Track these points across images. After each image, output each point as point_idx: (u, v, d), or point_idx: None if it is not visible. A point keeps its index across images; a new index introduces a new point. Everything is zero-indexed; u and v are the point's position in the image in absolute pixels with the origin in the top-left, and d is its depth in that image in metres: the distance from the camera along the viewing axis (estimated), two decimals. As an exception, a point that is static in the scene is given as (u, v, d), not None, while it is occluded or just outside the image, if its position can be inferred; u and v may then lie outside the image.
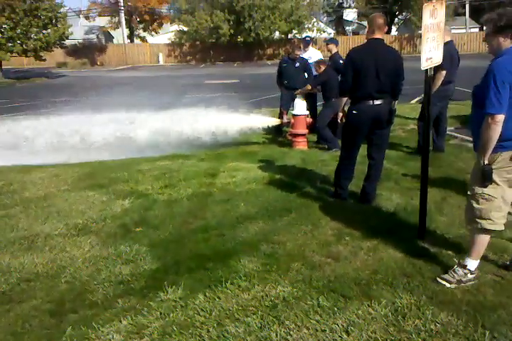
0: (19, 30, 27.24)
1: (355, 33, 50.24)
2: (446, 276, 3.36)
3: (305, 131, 7.94)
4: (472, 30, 45.09)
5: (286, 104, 8.69)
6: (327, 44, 8.79)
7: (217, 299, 3.25)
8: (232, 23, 38.46)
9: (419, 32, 39.23)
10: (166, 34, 46.61)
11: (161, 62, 41.78)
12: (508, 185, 3.24)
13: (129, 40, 45.53)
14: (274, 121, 8.43)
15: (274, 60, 35.31)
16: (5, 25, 26.88)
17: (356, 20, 52.16)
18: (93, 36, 49.63)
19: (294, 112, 7.98)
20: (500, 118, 3.01)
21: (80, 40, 43.14)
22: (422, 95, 4.54)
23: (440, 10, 3.85)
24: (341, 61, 8.10)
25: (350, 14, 51.68)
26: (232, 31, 38.63)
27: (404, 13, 45.66)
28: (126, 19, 43.76)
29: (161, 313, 3.12)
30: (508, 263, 3.55)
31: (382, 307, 3.06)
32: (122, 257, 3.97)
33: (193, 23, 38.76)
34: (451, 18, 39.06)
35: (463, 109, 9.53)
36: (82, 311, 3.21)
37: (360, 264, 3.69)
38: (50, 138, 8.02)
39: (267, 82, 14.50)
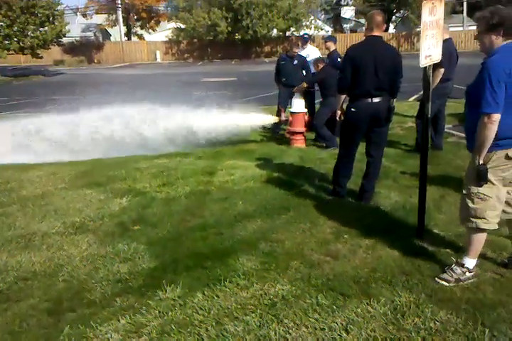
0: (16, 28, 27.18)
1: (352, 30, 50.15)
2: (444, 276, 3.35)
3: (303, 129, 7.92)
4: (469, 28, 45.06)
5: (284, 102, 8.68)
6: (325, 41, 8.77)
7: (215, 297, 3.24)
8: (229, 20, 38.36)
9: (417, 30, 39.00)
10: (164, 32, 46.52)
11: (159, 60, 41.68)
12: (502, 183, 3.24)
13: (126, 38, 45.37)
14: (272, 119, 8.41)
15: (272, 58, 35.23)
16: (1, 23, 26.82)
17: (354, 18, 52.10)
18: (90, 34, 49.46)
19: (292, 110, 7.96)
20: (497, 117, 3.00)
21: (77, 38, 42.98)
22: (421, 93, 4.53)
23: (439, 7, 3.84)
24: (339, 59, 8.10)
25: (347, 12, 51.56)
26: (229, 29, 38.53)
27: (401, 11, 45.60)
28: (123, 17, 43.60)
29: (159, 312, 3.11)
30: (506, 260, 3.55)
31: (382, 305, 3.06)
32: (120, 255, 3.96)
33: (190, 20, 38.64)
34: (448, 16, 38.97)
35: (461, 106, 9.43)
36: (79, 310, 3.19)
37: (359, 262, 3.68)
38: (50, 137, 8.01)
39: (264, 80, 14.46)
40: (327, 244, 4.03)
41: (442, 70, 6.39)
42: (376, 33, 4.76)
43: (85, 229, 4.60)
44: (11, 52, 28.19)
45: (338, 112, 5.17)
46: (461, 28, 42.70)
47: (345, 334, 2.80)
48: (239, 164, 6.77)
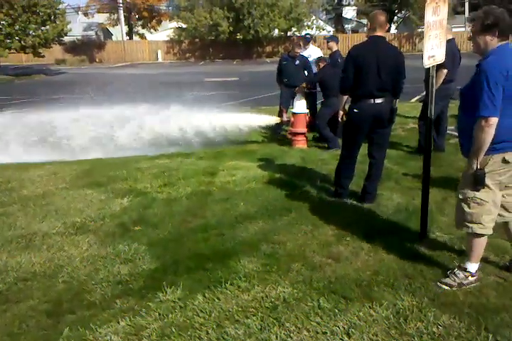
0: (17, 27, 27.13)
1: (354, 31, 50.06)
2: (447, 280, 3.32)
3: (304, 129, 7.89)
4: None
5: (285, 102, 8.64)
6: (328, 42, 8.75)
7: (216, 300, 3.22)
8: (231, 20, 38.32)
9: (419, 30, 38.85)
10: (165, 31, 46.45)
11: (160, 60, 41.64)
12: (499, 187, 3.20)
13: (127, 37, 45.33)
14: (274, 120, 8.38)
15: (274, 58, 35.19)
16: (3, 22, 26.77)
17: (355, 19, 52.03)
18: (92, 33, 49.44)
19: (293, 110, 7.93)
20: (494, 121, 2.94)
21: (78, 37, 42.98)
22: (422, 94, 4.49)
23: (443, 7, 3.82)
24: (340, 60, 8.07)
25: (349, 12, 51.48)
26: (231, 28, 38.49)
27: (403, 12, 45.53)
28: (125, 16, 43.57)
29: (159, 314, 3.08)
30: (508, 264, 3.51)
31: (384, 309, 3.03)
32: (121, 256, 3.94)
33: (192, 20, 38.60)
34: (450, 17, 38.92)
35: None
36: (79, 312, 3.17)
37: (361, 265, 3.66)
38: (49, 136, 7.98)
39: (266, 80, 14.45)
40: (329, 246, 4.01)
41: (445, 71, 6.36)
42: (379, 33, 4.73)
43: (86, 229, 4.58)
44: (12, 51, 28.16)
45: (341, 113, 5.14)
46: (462, 29, 42.63)
47: (347, 339, 2.77)
48: (240, 165, 6.75)
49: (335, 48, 8.57)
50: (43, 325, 3.05)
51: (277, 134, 8.84)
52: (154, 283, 3.48)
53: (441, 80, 6.39)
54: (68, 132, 7.98)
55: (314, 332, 2.84)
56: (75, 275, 3.67)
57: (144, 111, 8.32)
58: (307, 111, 7.99)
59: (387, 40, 5.01)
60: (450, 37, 6.31)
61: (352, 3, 50.45)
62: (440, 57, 3.94)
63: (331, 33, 40.37)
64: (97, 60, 41.55)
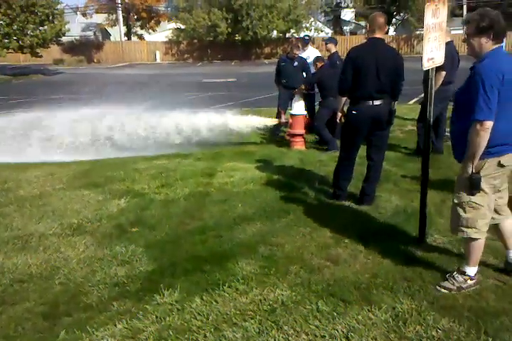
0: (15, 27, 27.06)
1: (352, 33, 50.11)
2: (446, 284, 3.30)
3: (303, 131, 7.88)
4: (469, 31, 45.08)
5: (284, 104, 8.63)
6: (326, 43, 8.75)
7: (214, 303, 3.19)
8: (229, 21, 38.30)
9: (417, 32, 38.84)
10: (164, 32, 46.41)
11: (158, 60, 41.60)
12: (493, 191, 3.19)
13: (126, 38, 45.27)
14: (272, 121, 8.36)
15: (272, 59, 35.20)
16: (1, 21, 26.71)
17: (354, 20, 52.08)
18: (90, 33, 49.36)
19: (292, 112, 7.92)
20: (489, 124, 2.92)
21: (76, 37, 42.87)
22: (421, 96, 4.48)
23: (442, 9, 3.81)
24: (338, 62, 8.06)
25: (347, 14, 51.50)
26: (229, 30, 38.47)
27: (401, 14, 45.58)
28: (123, 16, 43.53)
29: (156, 317, 3.05)
30: (503, 265, 3.49)
31: (383, 312, 3.01)
32: (118, 258, 3.91)
33: (190, 21, 38.57)
34: (449, 19, 39.03)
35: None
36: (76, 314, 3.14)
37: (360, 268, 3.63)
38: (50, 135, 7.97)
39: (264, 81, 14.44)
40: (327, 248, 3.98)
41: (444, 73, 6.35)
42: (378, 35, 4.72)
43: (83, 230, 4.55)
44: (10, 50, 28.08)
45: (339, 115, 5.13)
46: (461, 31, 42.71)
47: (346, 342, 2.75)
48: (238, 166, 6.72)
49: (333, 50, 8.56)
50: (39, 327, 3.02)
51: (275, 135, 8.82)
52: (151, 285, 3.45)
53: (439, 82, 6.37)
54: (67, 132, 7.95)
55: (313, 336, 2.81)
56: (71, 277, 3.64)
57: (142, 111, 8.30)
58: (305, 112, 7.97)
59: (385, 42, 5.00)
60: (449, 39, 6.31)
61: (350, 5, 50.48)
62: (439, 59, 3.93)
63: (330, 35, 40.38)
64: (95, 61, 41.49)
